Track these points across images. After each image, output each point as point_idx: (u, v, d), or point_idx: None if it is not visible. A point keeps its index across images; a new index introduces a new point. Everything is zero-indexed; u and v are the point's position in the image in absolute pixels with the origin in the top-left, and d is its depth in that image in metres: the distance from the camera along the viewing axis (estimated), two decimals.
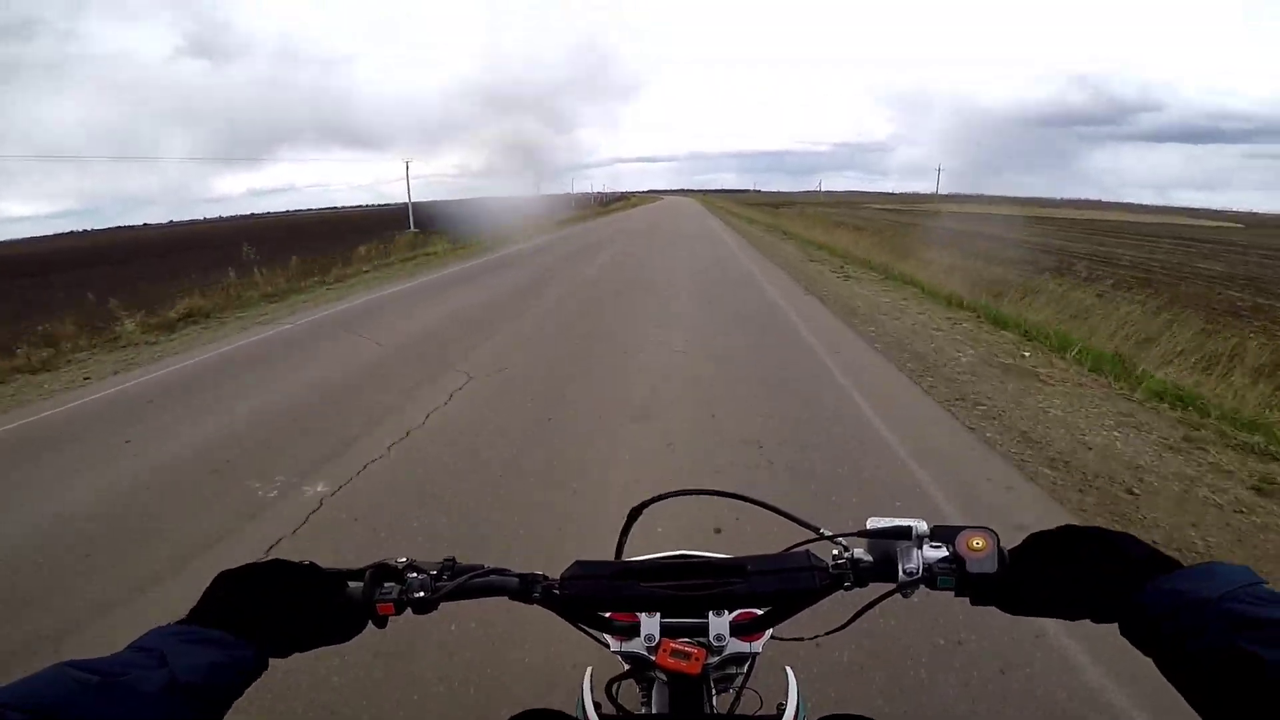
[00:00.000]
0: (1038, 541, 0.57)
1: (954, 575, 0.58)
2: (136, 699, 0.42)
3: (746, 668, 0.84)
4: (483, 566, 0.65)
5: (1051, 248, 21.50)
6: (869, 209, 61.35)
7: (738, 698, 0.88)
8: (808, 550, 0.65)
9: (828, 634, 0.78)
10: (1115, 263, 19.14)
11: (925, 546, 0.60)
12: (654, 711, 0.82)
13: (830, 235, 18.23)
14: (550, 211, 31.87)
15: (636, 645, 0.68)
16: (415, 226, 25.79)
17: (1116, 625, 0.51)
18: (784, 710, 0.75)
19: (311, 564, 0.60)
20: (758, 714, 0.74)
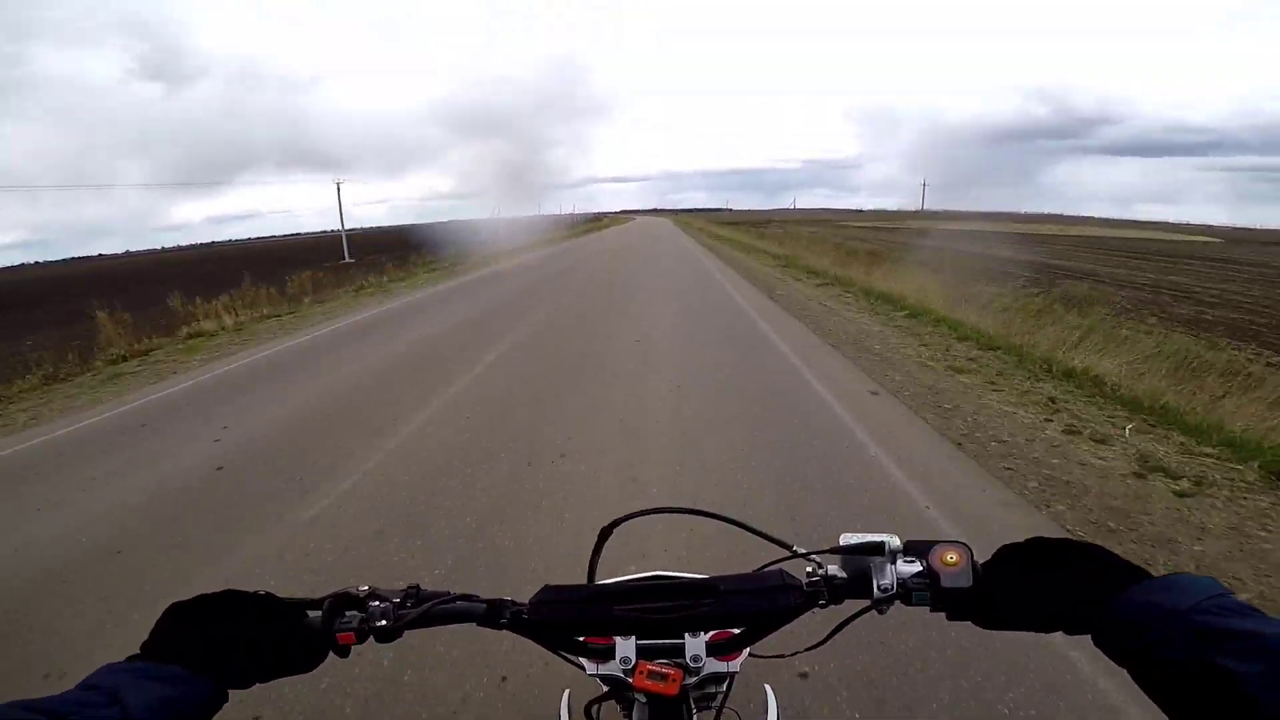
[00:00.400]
0: (1008, 554, 0.58)
1: (928, 590, 0.57)
2: None
3: (725, 686, 0.84)
4: (449, 593, 0.63)
5: (1079, 271, 19.82)
6: (850, 227, 56.53)
7: (718, 716, 0.88)
8: (781, 569, 0.64)
9: (806, 650, 0.77)
10: (1191, 295, 15.79)
11: (899, 562, 0.60)
12: None
13: (845, 266, 14.03)
14: (518, 234, 29.37)
15: (613, 668, 0.68)
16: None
17: (1090, 637, 0.52)
18: None
19: (268, 594, 0.58)
20: None
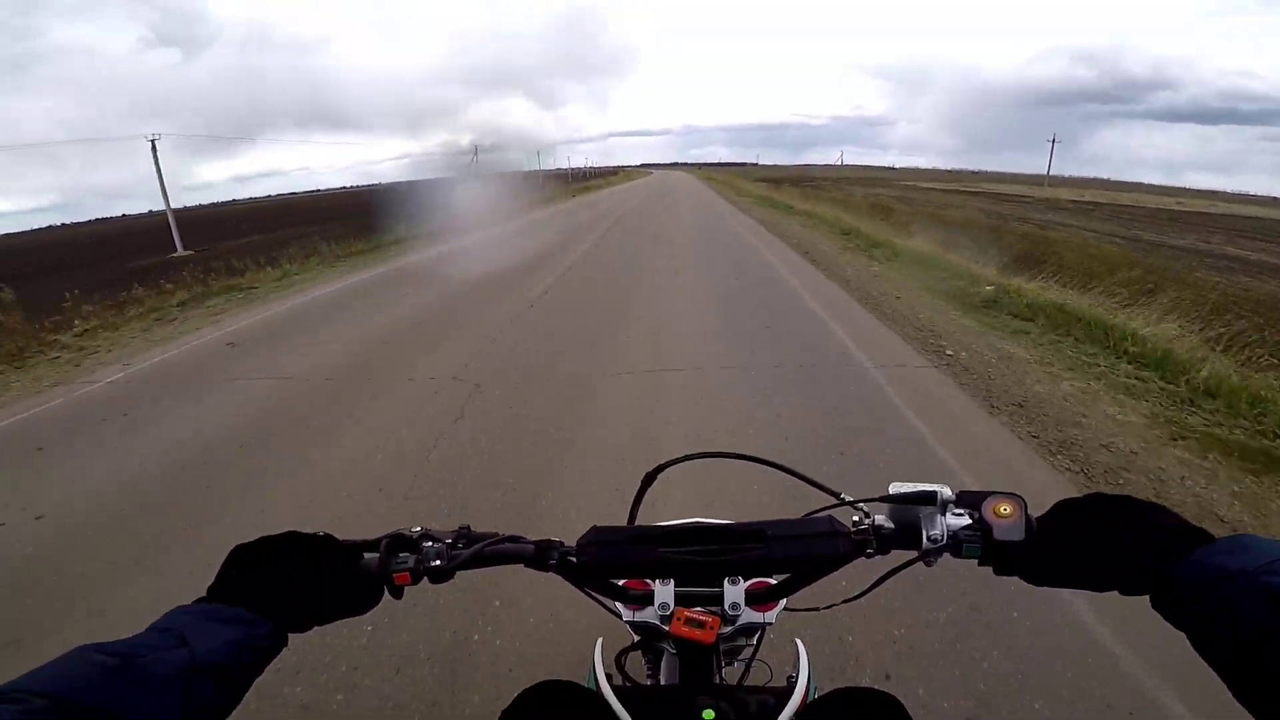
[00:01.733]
0: (1064, 510, 0.56)
1: (979, 543, 0.56)
2: (157, 681, 0.42)
3: (757, 639, 0.85)
4: (497, 534, 0.64)
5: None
6: (920, 189, 47.24)
7: (747, 669, 0.91)
8: (830, 516, 0.63)
9: (844, 602, 0.76)
10: None
11: (949, 513, 0.58)
12: (663, 683, 0.82)
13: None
14: (507, 197, 23.16)
15: (649, 615, 0.67)
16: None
17: (1147, 598, 0.50)
18: (794, 683, 0.70)
19: (327, 535, 0.59)
20: (768, 685, 0.74)
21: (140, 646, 0.44)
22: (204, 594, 0.54)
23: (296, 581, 0.55)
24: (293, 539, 0.58)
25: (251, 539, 0.57)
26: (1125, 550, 0.51)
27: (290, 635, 0.54)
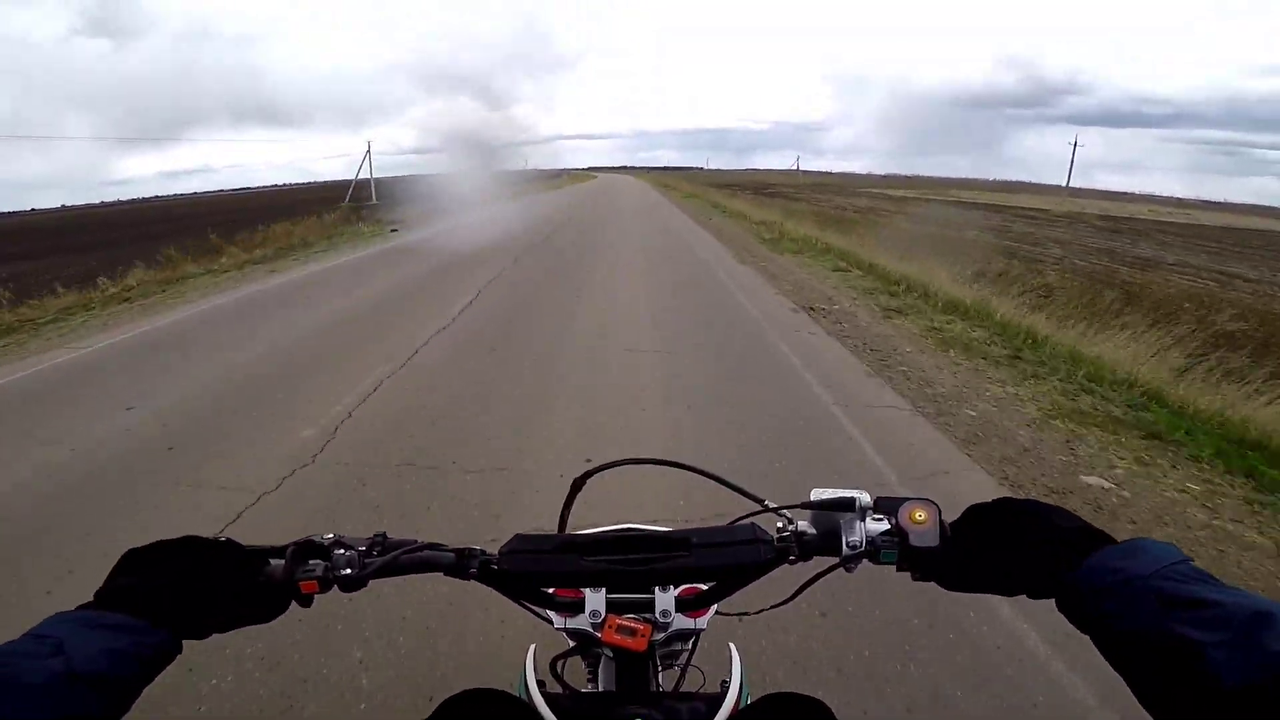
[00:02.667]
0: (974, 515, 0.58)
1: (896, 549, 0.57)
2: (25, 690, 0.40)
3: (691, 644, 0.86)
4: (415, 541, 0.62)
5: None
6: (899, 200, 39.77)
7: (683, 674, 0.92)
8: (753, 523, 0.64)
9: (772, 608, 0.78)
10: None
11: (868, 519, 0.60)
12: (600, 689, 0.81)
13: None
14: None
15: (581, 622, 0.68)
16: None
17: (1054, 601, 0.52)
18: (728, 687, 0.72)
19: (229, 540, 0.58)
20: (701, 690, 0.76)
21: (9, 655, 0.43)
22: (90, 600, 0.52)
23: (193, 588, 0.53)
24: (190, 544, 0.56)
25: (144, 545, 0.55)
26: (1030, 554, 0.53)
27: (186, 642, 0.53)
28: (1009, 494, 2.30)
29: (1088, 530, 0.53)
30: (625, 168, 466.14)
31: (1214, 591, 0.43)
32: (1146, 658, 0.43)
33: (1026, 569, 0.53)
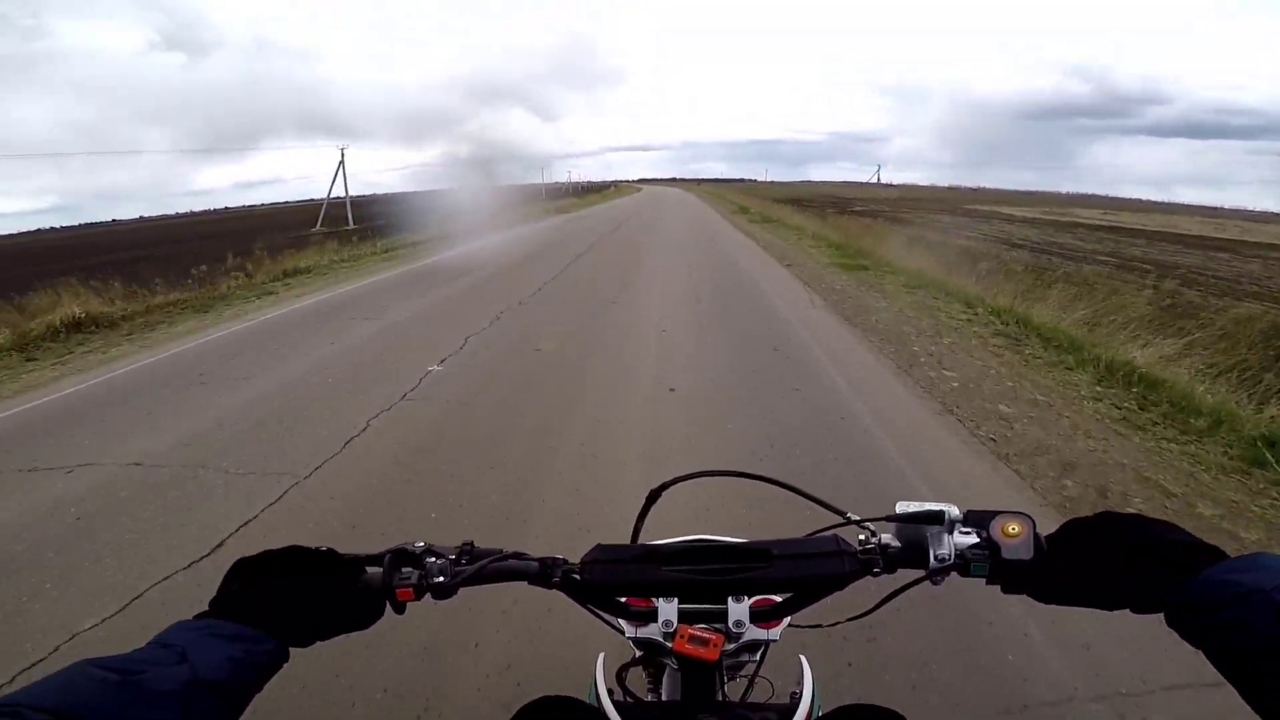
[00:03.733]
0: (1074, 528, 0.56)
1: (987, 562, 0.56)
2: (156, 696, 0.42)
3: (760, 655, 0.82)
4: (501, 551, 0.63)
5: None
6: (1015, 222, 33.68)
7: (750, 685, 0.89)
8: (835, 535, 0.64)
9: (850, 620, 0.77)
10: None
11: (956, 532, 0.58)
12: (664, 698, 0.83)
13: None
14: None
15: (653, 631, 0.66)
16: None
17: (1161, 616, 0.51)
18: (799, 699, 0.70)
19: (330, 550, 0.59)
20: (770, 701, 0.74)
21: (141, 662, 0.44)
22: (206, 608, 0.54)
23: (299, 596, 0.55)
24: (295, 553, 0.58)
25: (253, 554, 0.57)
26: (1138, 569, 0.52)
27: (292, 650, 0.55)
28: None
29: (1199, 545, 0.51)
30: (675, 179, 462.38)
31: None
32: (1266, 671, 0.42)
33: (1132, 583, 0.52)
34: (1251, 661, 0.43)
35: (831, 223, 20.52)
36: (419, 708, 1.82)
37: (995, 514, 0.57)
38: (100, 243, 35.36)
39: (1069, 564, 0.54)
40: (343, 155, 29.48)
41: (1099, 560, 0.53)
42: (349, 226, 24.04)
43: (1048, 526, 0.59)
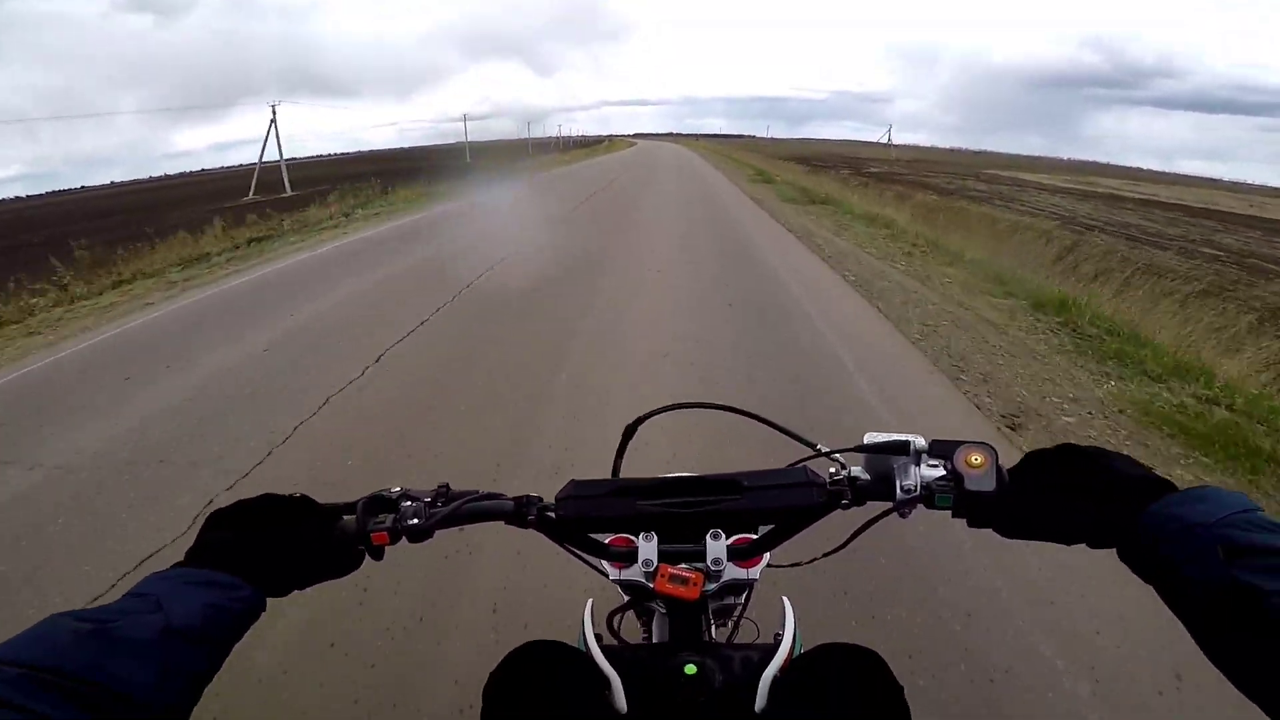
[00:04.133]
0: (1035, 461, 0.56)
1: (951, 493, 0.56)
2: (132, 645, 0.42)
3: (744, 598, 0.87)
4: (477, 492, 0.64)
5: None
6: (1032, 190, 29.99)
7: (735, 627, 0.93)
8: (805, 466, 0.64)
9: (825, 556, 0.78)
10: None
11: (923, 464, 0.59)
12: (654, 641, 0.86)
13: None
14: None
15: (634, 573, 0.66)
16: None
17: (1115, 550, 0.51)
18: (780, 640, 0.69)
19: (304, 496, 0.60)
20: (755, 642, 0.73)
21: (115, 612, 0.44)
22: (182, 559, 0.53)
23: (274, 545, 0.55)
24: (269, 502, 0.58)
25: (227, 505, 0.57)
26: (1092, 503, 0.52)
27: (269, 600, 0.54)
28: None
29: (1150, 478, 0.51)
30: (674, 134, 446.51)
31: None
32: (1210, 606, 0.42)
33: (1087, 517, 0.52)
34: (1195, 596, 0.43)
35: (848, 187, 16.52)
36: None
37: (959, 444, 0.57)
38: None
39: (1029, 497, 0.54)
40: (274, 114, 26.13)
41: (1056, 494, 0.53)
42: (286, 193, 21.01)
43: None
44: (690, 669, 0.59)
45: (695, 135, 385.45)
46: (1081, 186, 39.74)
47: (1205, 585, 0.42)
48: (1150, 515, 0.47)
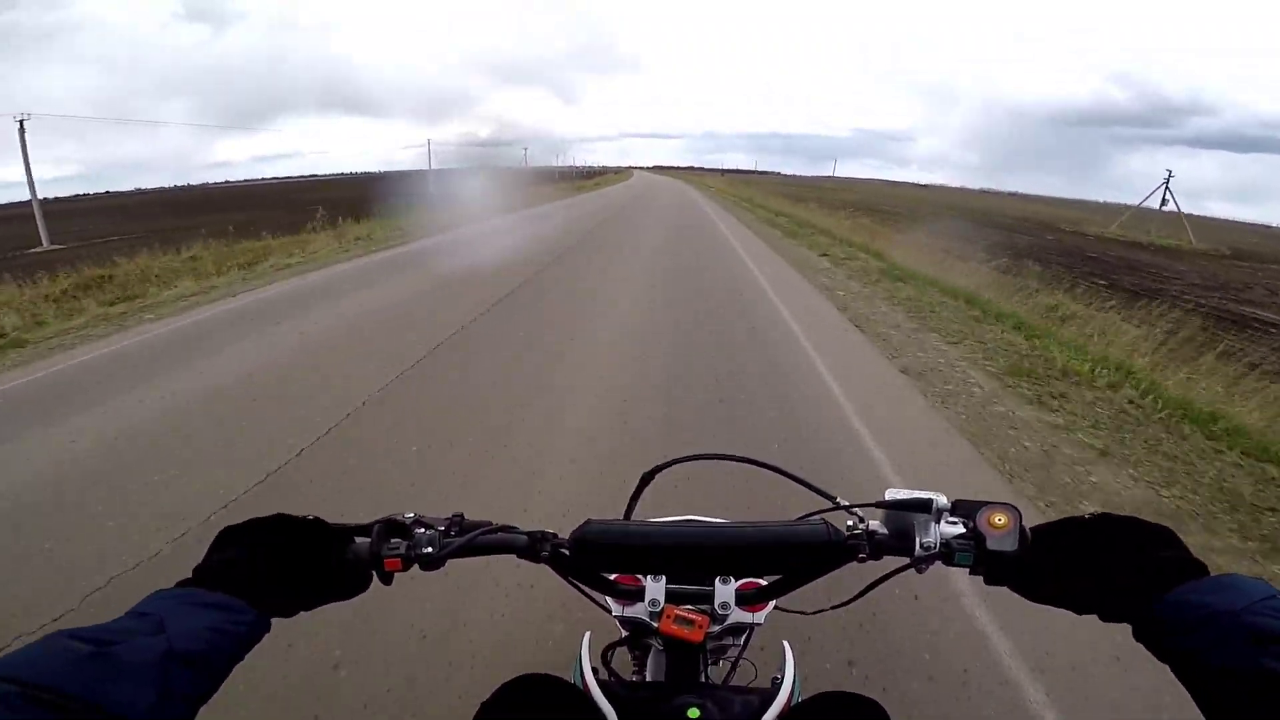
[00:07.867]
0: (1064, 526, 0.55)
1: (972, 552, 0.56)
2: (131, 668, 0.41)
3: (744, 639, 0.85)
4: (490, 523, 0.64)
5: None
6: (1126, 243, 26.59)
7: (733, 668, 0.90)
8: (824, 519, 0.64)
9: (834, 608, 0.76)
10: None
11: (944, 522, 0.58)
12: (649, 679, 0.83)
13: None
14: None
15: (639, 610, 0.68)
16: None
17: (1129, 627, 0.50)
18: (779, 684, 0.70)
19: (317, 519, 0.58)
20: (752, 685, 0.74)
21: (116, 632, 0.43)
22: (189, 576, 0.53)
23: (285, 566, 0.54)
24: (282, 522, 0.57)
25: (238, 523, 0.56)
26: (1110, 576, 0.51)
27: (274, 620, 0.54)
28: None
29: (1181, 560, 0.50)
30: (693, 168, 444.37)
31: None
32: (1234, 693, 0.42)
33: (1105, 591, 0.51)
34: (1221, 684, 0.43)
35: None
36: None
37: (983, 504, 0.57)
38: None
39: (1049, 560, 0.54)
40: (22, 126, 18.81)
41: (1076, 561, 0.53)
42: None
43: None
44: (694, 712, 0.60)
45: (715, 170, 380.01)
46: (1131, 237, 32.27)
47: (1233, 673, 0.42)
48: (1172, 600, 0.47)
